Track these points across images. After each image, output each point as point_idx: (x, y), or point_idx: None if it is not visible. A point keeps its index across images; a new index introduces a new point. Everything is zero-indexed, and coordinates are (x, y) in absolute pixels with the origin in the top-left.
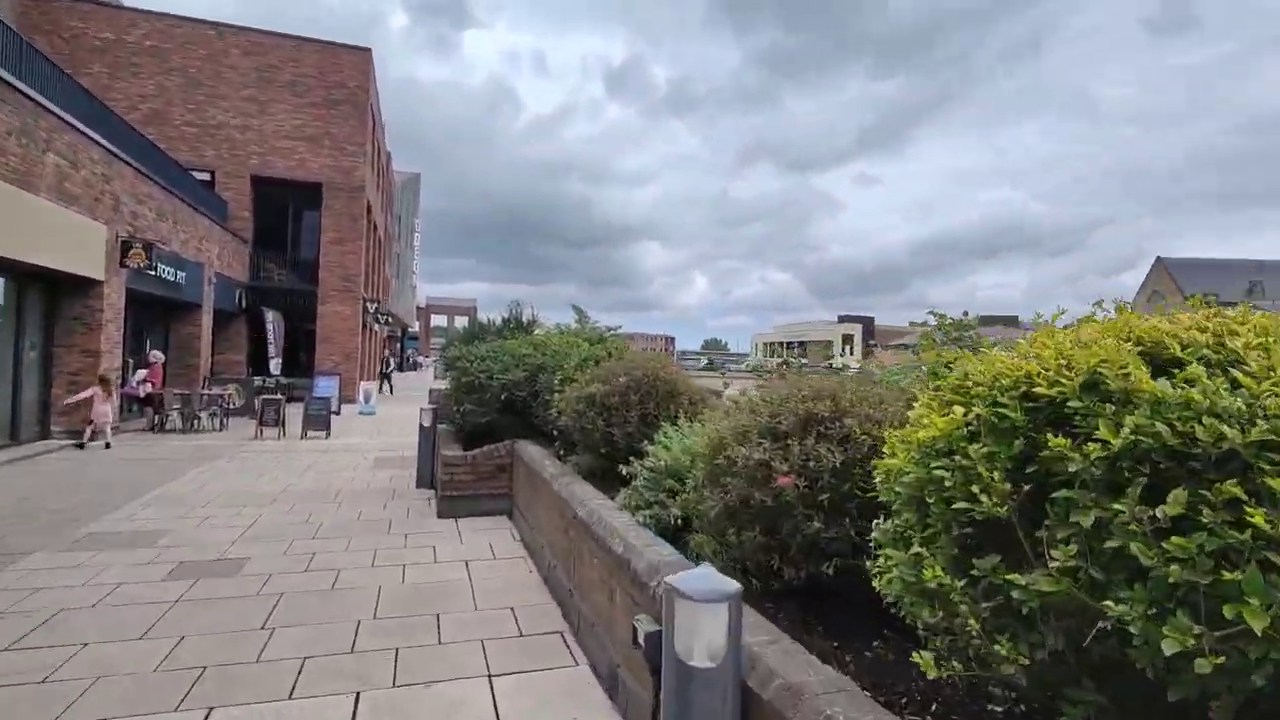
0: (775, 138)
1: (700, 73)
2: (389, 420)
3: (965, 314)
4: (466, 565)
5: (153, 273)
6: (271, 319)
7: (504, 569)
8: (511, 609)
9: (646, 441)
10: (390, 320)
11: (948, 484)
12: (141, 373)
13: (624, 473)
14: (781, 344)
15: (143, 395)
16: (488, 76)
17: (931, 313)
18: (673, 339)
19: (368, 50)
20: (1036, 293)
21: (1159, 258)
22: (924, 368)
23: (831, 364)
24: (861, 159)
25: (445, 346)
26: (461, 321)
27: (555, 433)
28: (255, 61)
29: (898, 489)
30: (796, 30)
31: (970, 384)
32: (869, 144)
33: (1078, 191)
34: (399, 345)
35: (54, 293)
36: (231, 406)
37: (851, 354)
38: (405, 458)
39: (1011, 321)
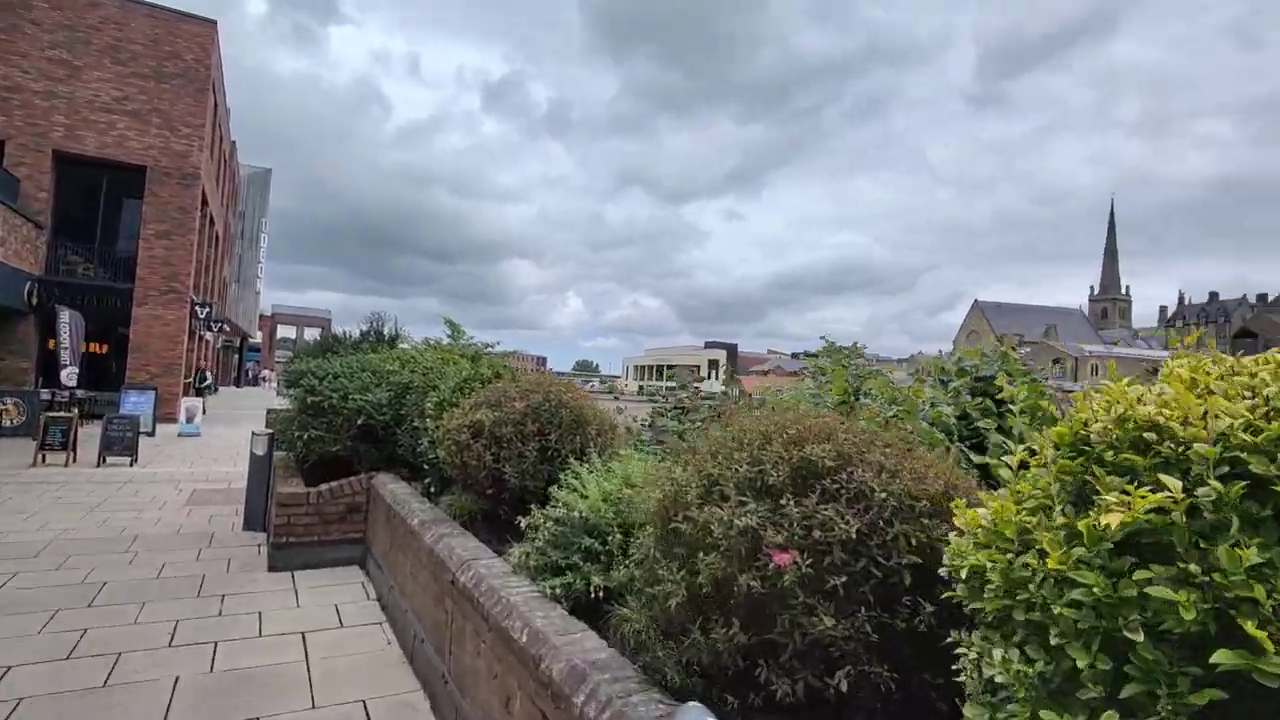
0: (649, 167)
1: (579, 97)
2: (216, 444)
3: (855, 343)
4: (304, 639)
5: None
6: (67, 319)
7: (354, 641)
8: (364, 703)
9: (550, 483)
10: (227, 328)
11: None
12: None
13: (521, 523)
14: (652, 367)
15: None
16: (355, 76)
17: (823, 338)
18: (544, 359)
19: (212, 22)
20: (873, 326)
21: (976, 301)
22: (810, 393)
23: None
24: (729, 195)
25: (290, 360)
26: (313, 333)
27: (426, 466)
28: (66, 18)
29: (1064, 609)
30: (672, 68)
31: (1167, 441)
32: (736, 181)
33: (910, 240)
34: (237, 357)
35: None
36: (9, 425)
37: (717, 379)
38: (232, 491)
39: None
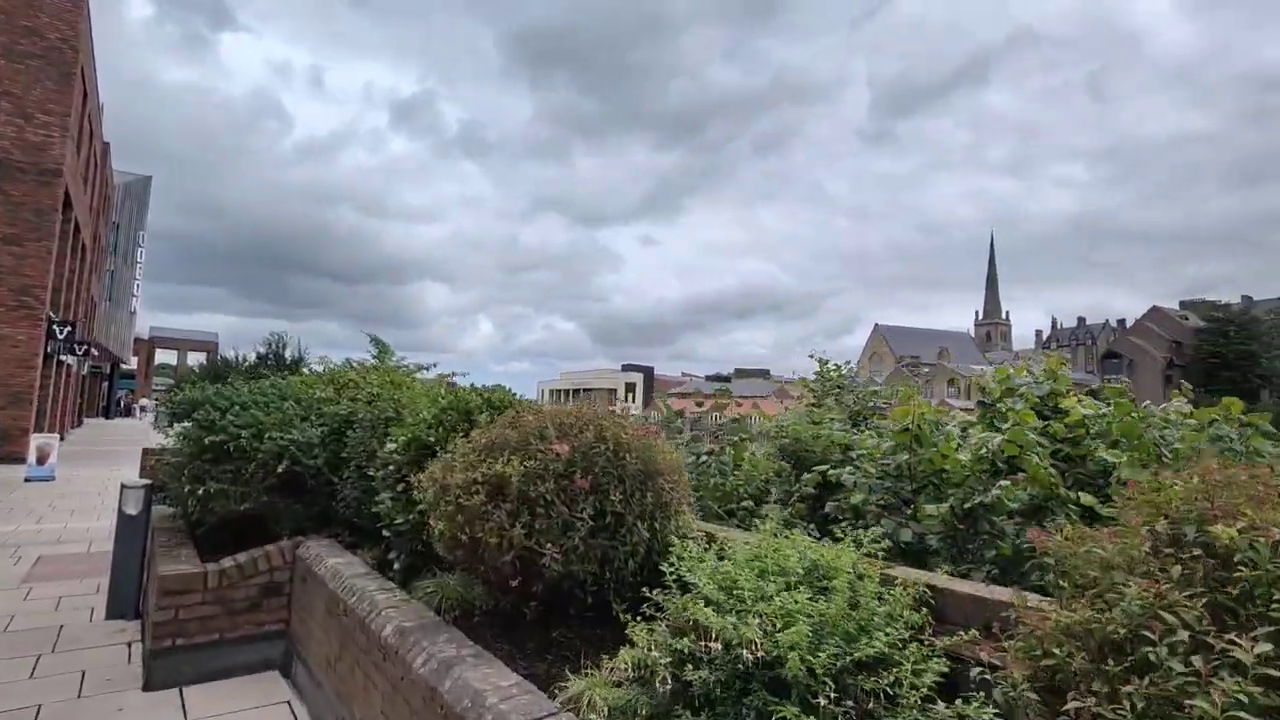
0: (565, 191)
1: (494, 119)
2: (75, 491)
3: (840, 366)
4: None
5: None
6: None
7: None
8: None
9: (603, 565)
10: (95, 352)
11: None
12: None
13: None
14: (567, 391)
15: None
16: (250, 88)
17: (816, 357)
18: (454, 382)
19: None
20: (779, 349)
21: (876, 325)
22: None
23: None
24: (644, 220)
25: (172, 388)
26: (197, 358)
27: (387, 533)
28: None
29: None
30: (588, 94)
31: None
32: (651, 207)
33: (813, 267)
34: (106, 385)
35: None
36: None
37: (634, 401)
38: (94, 557)
39: (763, 374)
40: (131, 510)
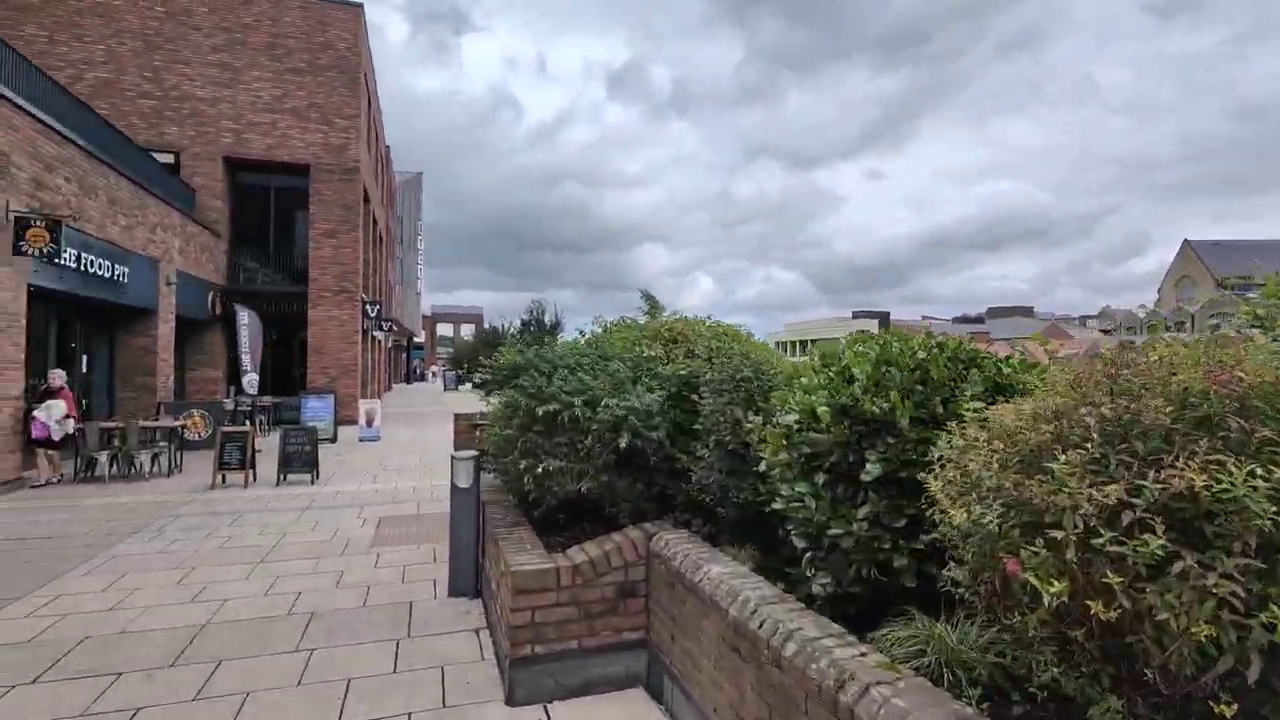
0: (778, 134)
1: (702, 71)
2: (397, 448)
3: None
4: None
5: (67, 263)
6: (246, 321)
7: None
8: None
9: None
10: (394, 328)
11: None
12: (58, 406)
13: None
14: (793, 343)
15: (58, 438)
16: (487, 84)
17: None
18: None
19: (358, 6)
20: (1043, 284)
21: (1186, 241)
22: None
23: None
24: (866, 154)
25: (459, 355)
26: (468, 329)
27: (789, 532)
28: (225, 20)
29: None
30: (799, 26)
31: None
32: (873, 139)
33: (1078, 180)
34: (404, 356)
35: None
36: (197, 438)
37: None
38: (424, 520)
39: (1025, 311)
40: (463, 483)
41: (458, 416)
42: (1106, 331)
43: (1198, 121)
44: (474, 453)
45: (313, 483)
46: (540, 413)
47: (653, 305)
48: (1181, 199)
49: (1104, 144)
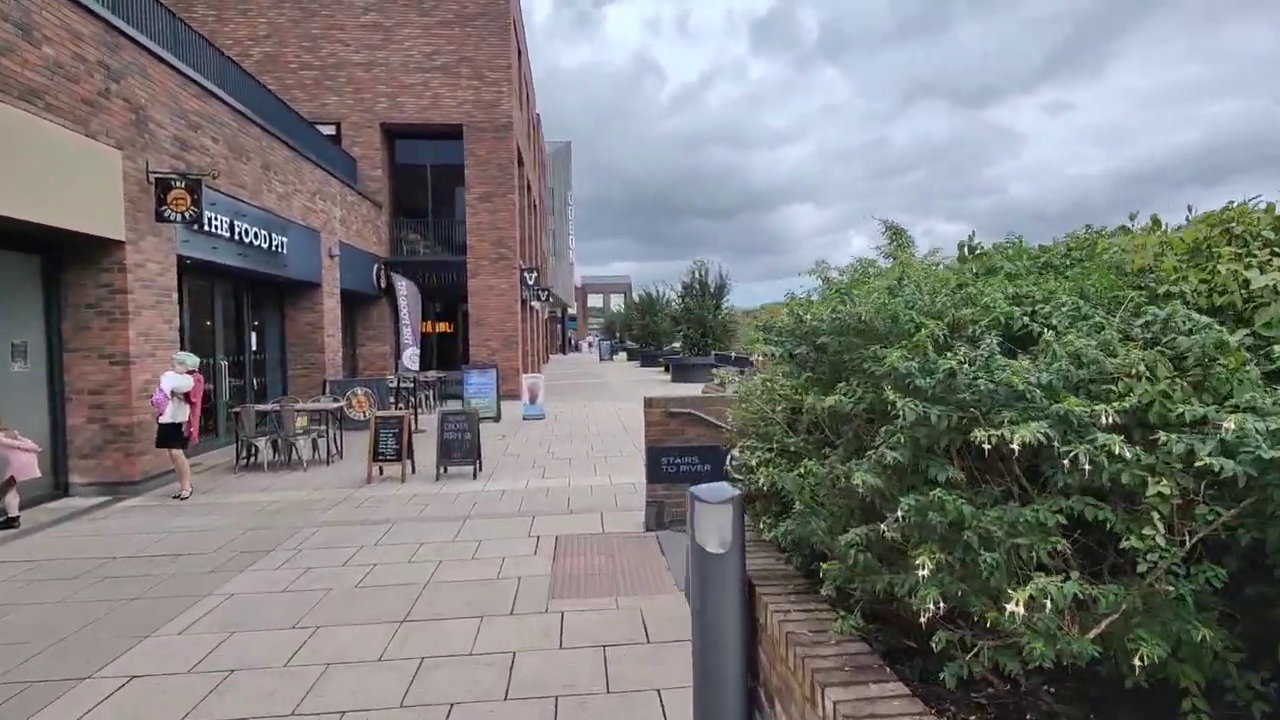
0: (943, 70)
1: (855, 6)
2: (564, 428)
3: None
4: None
5: (219, 231)
6: (405, 291)
7: None
8: None
9: None
10: (551, 298)
11: None
12: (182, 382)
13: None
14: None
15: (168, 419)
16: (630, 52)
17: None
18: None
19: None
20: None
21: None
22: None
23: None
24: (1051, 84)
25: (612, 324)
26: (617, 300)
27: None
28: None
29: None
30: None
31: None
32: (1060, 65)
33: None
34: (559, 327)
35: (51, 264)
36: (362, 417)
37: None
38: (611, 543)
39: None
40: (716, 546)
41: (650, 402)
42: None
43: None
44: (733, 492)
45: (475, 476)
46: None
47: (897, 237)
48: None
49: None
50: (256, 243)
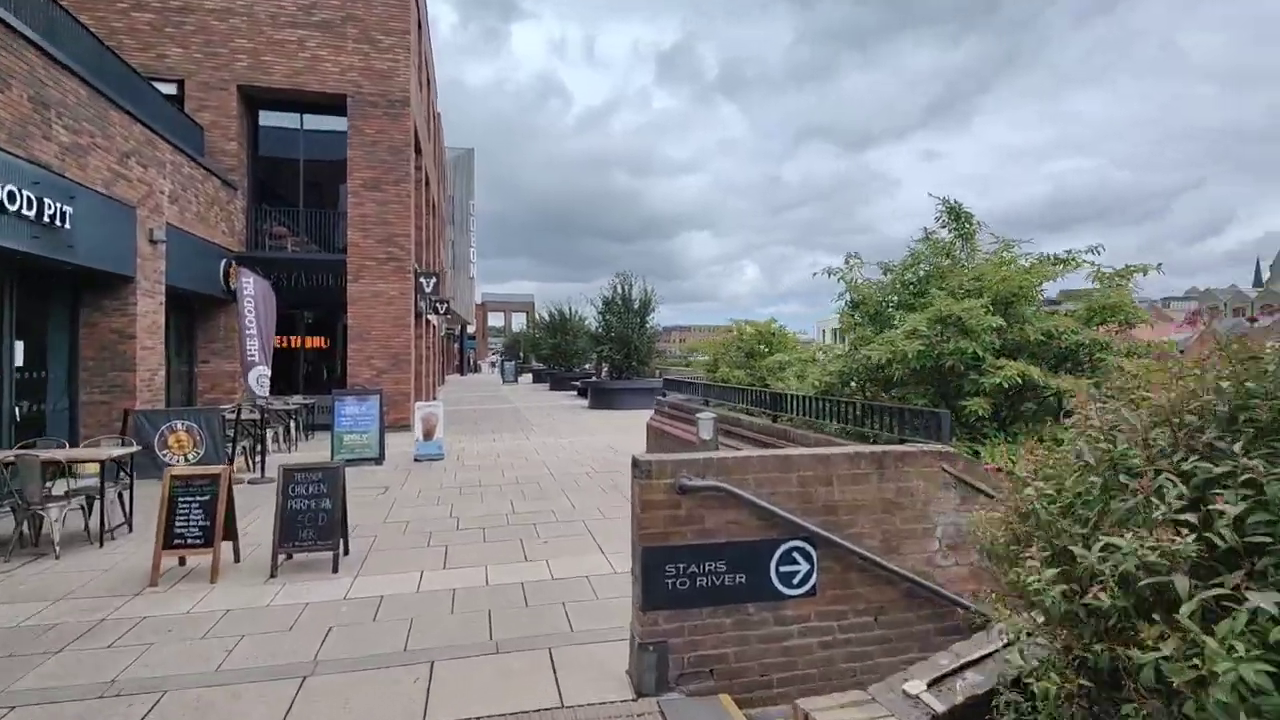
0: (830, 117)
1: (753, 51)
2: (471, 475)
3: None
4: None
5: None
6: (252, 292)
7: None
8: None
9: None
10: (450, 313)
11: None
12: None
13: None
14: None
15: None
16: (535, 72)
17: None
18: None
19: None
20: (1114, 263)
21: None
22: None
23: None
24: (925, 132)
25: (518, 343)
26: (519, 319)
27: None
28: None
29: None
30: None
31: None
32: (933, 116)
33: (1157, 156)
34: (458, 346)
35: None
36: (189, 459)
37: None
38: None
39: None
40: None
41: (645, 469)
42: (1252, 319)
43: None
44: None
45: (335, 567)
46: None
47: (961, 219)
48: (1274, 174)
49: (1188, 116)
50: (11, 207)
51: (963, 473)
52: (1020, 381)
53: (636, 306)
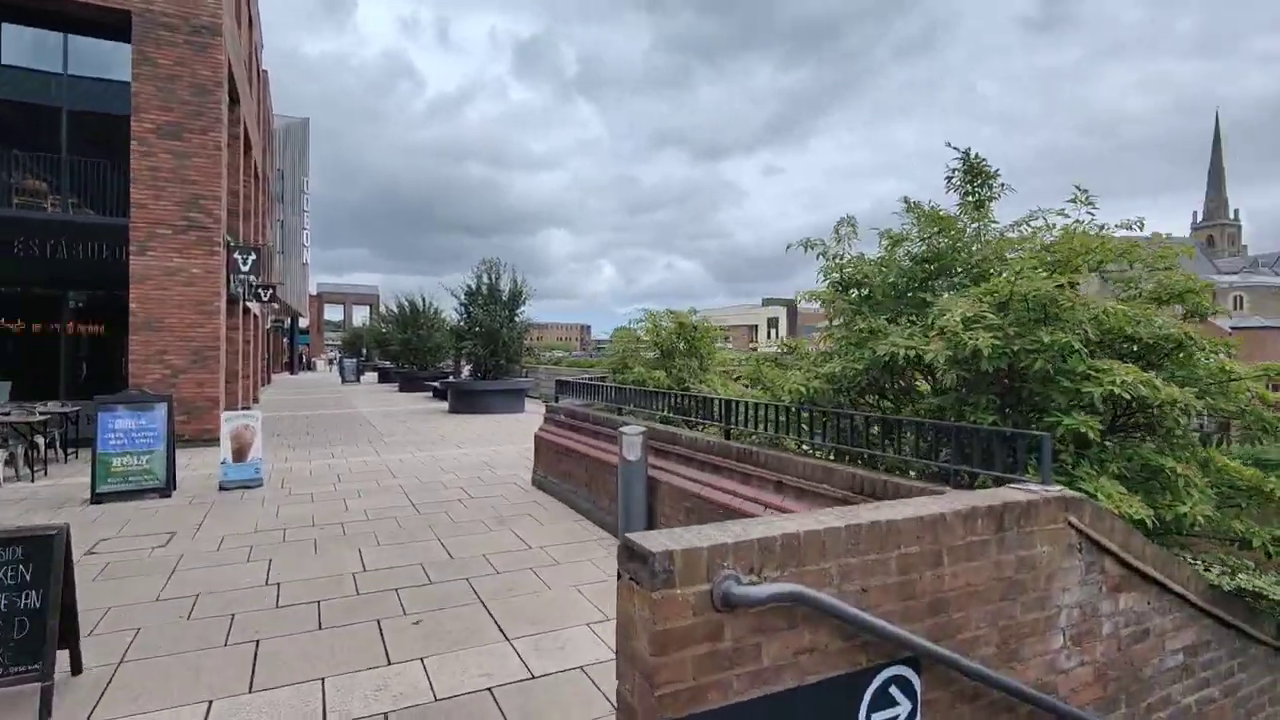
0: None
1: (611, 53)
2: (301, 507)
3: None
4: None
5: None
6: None
7: None
8: None
9: None
10: (276, 299)
11: None
12: None
13: None
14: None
15: None
16: (383, 51)
17: None
18: (588, 327)
19: None
20: None
21: None
22: None
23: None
24: (768, 148)
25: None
26: (362, 312)
27: None
28: None
29: None
30: (709, 12)
31: None
32: (775, 133)
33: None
34: (288, 341)
35: None
36: None
37: (777, 337)
38: None
39: None
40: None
41: (643, 560)
42: None
43: (1053, 135)
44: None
45: (46, 712)
46: None
47: (980, 180)
48: (1040, 205)
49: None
50: None
51: (1092, 528)
52: (1144, 392)
53: (506, 298)
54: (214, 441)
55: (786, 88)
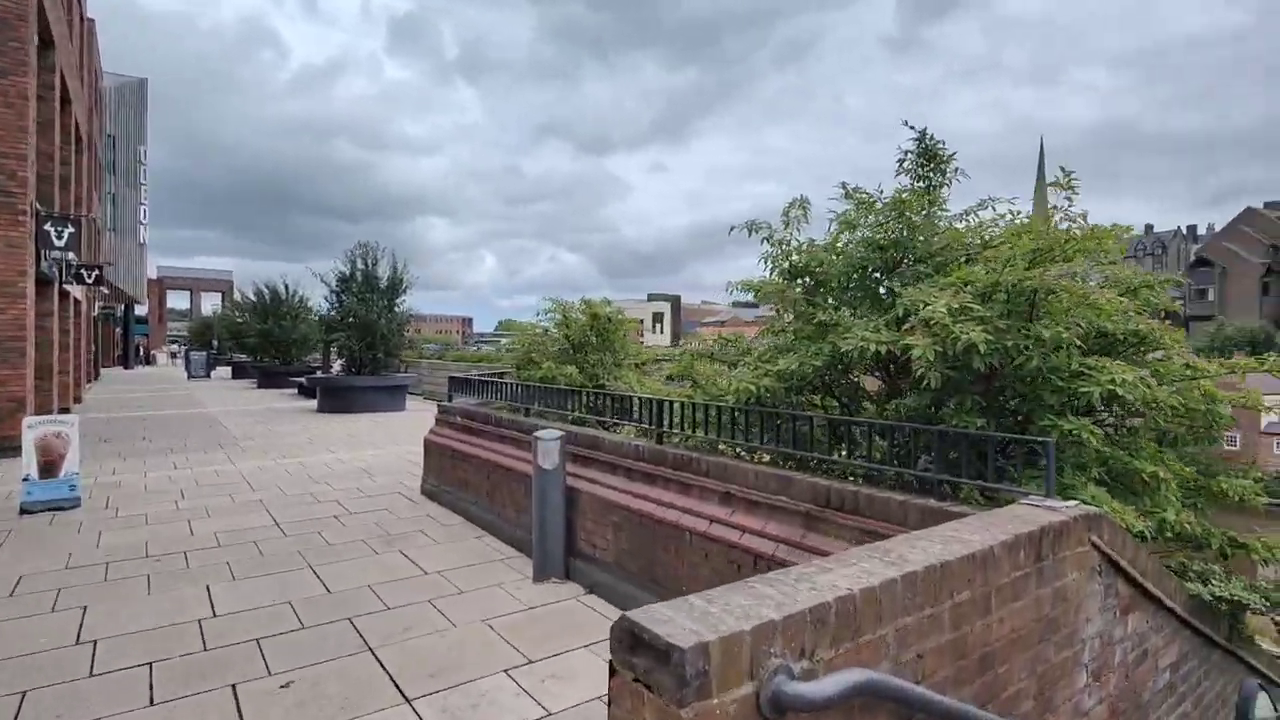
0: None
1: (494, 37)
2: (128, 534)
3: None
4: None
5: None
6: None
7: None
8: None
9: None
10: (103, 282)
11: None
12: None
13: None
14: None
15: None
16: (240, 15)
17: None
18: (470, 319)
19: None
20: None
21: None
22: None
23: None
24: (654, 146)
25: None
26: (213, 299)
27: None
28: None
29: None
30: (597, 8)
31: None
32: (660, 132)
33: (820, 189)
34: (120, 331)
35: None
36: None
37: (662, 332)
38: None
39: None
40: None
41: (653, 651)
42: None
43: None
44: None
45: None
46: None
47: (936, 164)
48: None
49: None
50: None
51: (1110, 546)
52: (1143, 392)
53: (384, 285)
54: (14, 449)
55: (671, 87)
